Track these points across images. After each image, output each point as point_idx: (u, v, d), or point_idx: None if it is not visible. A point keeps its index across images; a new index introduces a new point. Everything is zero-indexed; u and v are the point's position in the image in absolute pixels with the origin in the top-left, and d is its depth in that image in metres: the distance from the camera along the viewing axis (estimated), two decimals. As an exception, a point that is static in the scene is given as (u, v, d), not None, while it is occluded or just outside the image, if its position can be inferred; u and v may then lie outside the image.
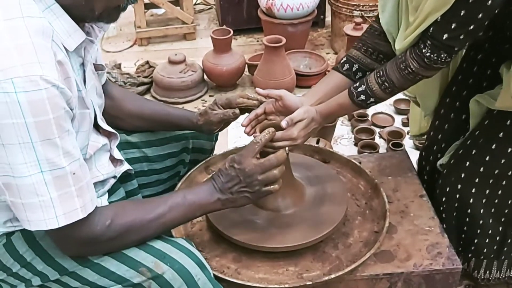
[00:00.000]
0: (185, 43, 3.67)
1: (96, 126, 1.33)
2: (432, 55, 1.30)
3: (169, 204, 1.23)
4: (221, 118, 1.50)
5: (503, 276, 1.63)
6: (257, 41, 3.63)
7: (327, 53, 3.45)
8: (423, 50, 1.30)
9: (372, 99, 1.40)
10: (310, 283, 1.31)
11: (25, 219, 1.07)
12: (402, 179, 1.70)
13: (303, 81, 3.01)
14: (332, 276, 1.32)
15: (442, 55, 1.29)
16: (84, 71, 1.21)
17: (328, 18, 3.67)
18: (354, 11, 3.23)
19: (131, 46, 3.65)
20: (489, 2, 1.20)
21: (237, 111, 1.50)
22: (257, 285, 1.32)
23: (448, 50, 1.29)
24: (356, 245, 1.46)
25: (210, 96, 3.05)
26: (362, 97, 1.40)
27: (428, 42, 1.29)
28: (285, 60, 2.89)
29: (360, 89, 1.40)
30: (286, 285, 1.32)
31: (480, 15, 1.22)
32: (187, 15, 3.61)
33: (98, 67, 1.34)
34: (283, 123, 1.38)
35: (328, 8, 3.59)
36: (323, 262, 1.41)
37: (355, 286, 1.40)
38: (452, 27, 1.25)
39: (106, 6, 1.11)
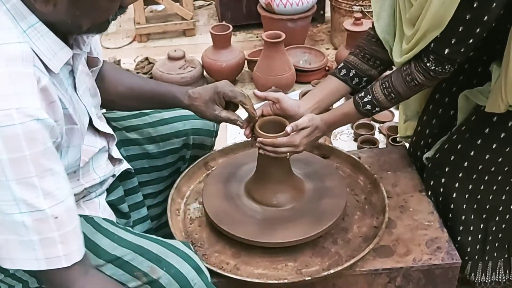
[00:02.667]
0: (185, 39, 3.66)
1: (94, 128, 1.30)
2: (437, 68, 1.34)
3: None
4: (222, 119, 1.44)
5: (489, 280, 1.64)
6: (257, 36, 3.62)
7: (327, 49, 3.44)
8: (428, 64, 1.34)
9: (377, 109, 1.43)
10: (309, 278, 1.32)
11: (6, 254, 1.01)
12: (401, 174, 1.70)
13: (302, 76, 3.00)
14: (331, 271, 1.32)
15: (446, 67, 1.34)
16: (73, 78, 1.17)
17: (327, 14, 3.65)
18: (353, 6, 3.22)
19: (130, 43, 3.64)
20: (486, 17, 1.24)
21: (242, 124, 1.43)
22: (256, 280, 1.33)
23: (452, 62, 1.33)
24: (356, 240, 1.46)
25: (209, 92, 3.04)
26: (368, 107, 1.43)
27: (431, 56, 1.33)
28: (285, 56, 2.88)
29: (366, 99, 1.43)
30: (285, 281, 1.32)
31: (478, 30, 1.26)
32: (186, 11, 3.60)
33: (93, 61, 1.29)
34: (288, 129, 1.39)
35: (327, 3, 3.58)
36: (322, 258, 1.41)
37: (354, 281, 1.40)
38: (452, 42, 1.29)
39: (93, 23, 1.07)
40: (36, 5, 1.00)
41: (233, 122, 1.43)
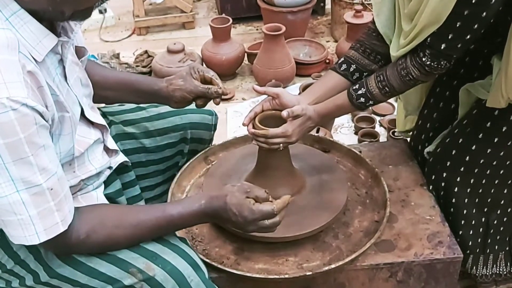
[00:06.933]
0: (184, 32, 3.65)
1: (87, 119, 1.29)
2: (432, 63, 1.33)
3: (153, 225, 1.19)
4: (203, 88, 1.43)
5: (490, 273, 1.64)
6: (257, 29, 3.60)
7: (327, 41, 3.42)
8: (423, 59, 1.33)
9: (371, 102, 1.42)
10: (310, 273, 1.31)
11: (8, 233, 1.07)
12: (402, 168, 1.69)
13: (303, 69, 2.99)
14: (332, 266, 1.32)
15: (442, 63, 1.33)
16: (63, 67, 1.16)
17: (328, 6, 3.64)
18: (354, -2, 3.21)
19: (129, 36, 3.63)
20: (484, 13, 1.23)
21: (220, 90, 1.44)
22: (257, 275, 1.32)
23: (447, 58, 1.32)
24: (357, 235, 1.45)
25: (209, 85, 3.03)
26: (362, 99, 1.42)
27: (427, 51, 1.33)
28: (285, 49, 2.86)
29: (359, 92, 1.42)
30: (286, 276, 1.32)
31: (476, 26, 1.25)
32: (185, 4, 3.58)
33: (80, 51, 1.28)
34: (284, 113, 1.39)
35: (328, -5, 3.57)
36: (323, 252, 1.41)
37: (355, 276, 1.40)
38: (449, 37, 1.28)
39: (75, 9, 1.06)
40: None
41: (211, 92, 1.43)
